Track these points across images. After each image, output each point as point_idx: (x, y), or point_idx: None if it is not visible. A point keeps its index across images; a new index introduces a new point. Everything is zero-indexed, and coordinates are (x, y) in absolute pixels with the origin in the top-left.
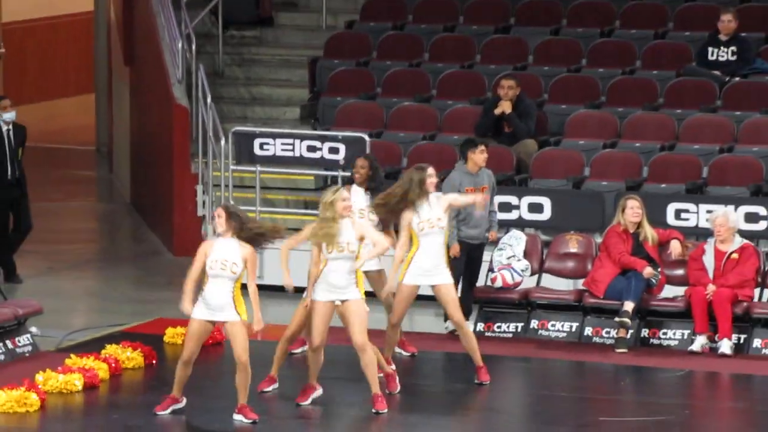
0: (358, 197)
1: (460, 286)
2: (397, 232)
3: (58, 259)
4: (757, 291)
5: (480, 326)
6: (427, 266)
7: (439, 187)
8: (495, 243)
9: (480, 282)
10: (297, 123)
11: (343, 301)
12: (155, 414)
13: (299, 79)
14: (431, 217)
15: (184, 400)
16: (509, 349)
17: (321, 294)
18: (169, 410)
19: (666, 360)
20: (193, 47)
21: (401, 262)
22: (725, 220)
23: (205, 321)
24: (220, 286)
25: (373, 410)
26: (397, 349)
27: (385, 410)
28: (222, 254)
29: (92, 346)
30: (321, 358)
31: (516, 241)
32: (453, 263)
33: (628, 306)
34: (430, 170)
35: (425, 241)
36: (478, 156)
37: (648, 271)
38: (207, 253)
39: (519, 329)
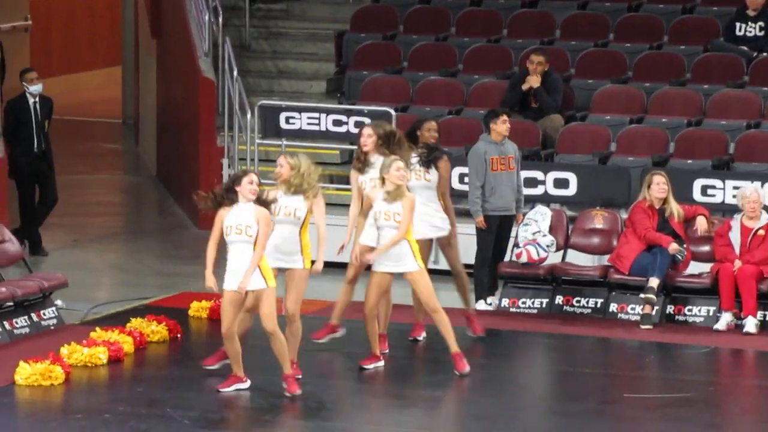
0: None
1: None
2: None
3: (83, 232)
4: None
5: (505, 302)
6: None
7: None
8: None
9: (505, 257)
10: (323, 97)
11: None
12: (218, 391)
13: (325, 53)
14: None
15: (248, 382)
16: (534, 325)
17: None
18: (232, 388)
19: (691, 337)
20: (220, 20)
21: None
22: (758, 195)
23: (235, 291)
24: (241, 252)
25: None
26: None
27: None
28: (238, 219)
29: (117, 320)
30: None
31: (541, 216)
32: (481, 237)
33: (654, 282)
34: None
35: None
36: (500, 126)
37: (674, 247)
38: (223, 220)
39: (544, 305)
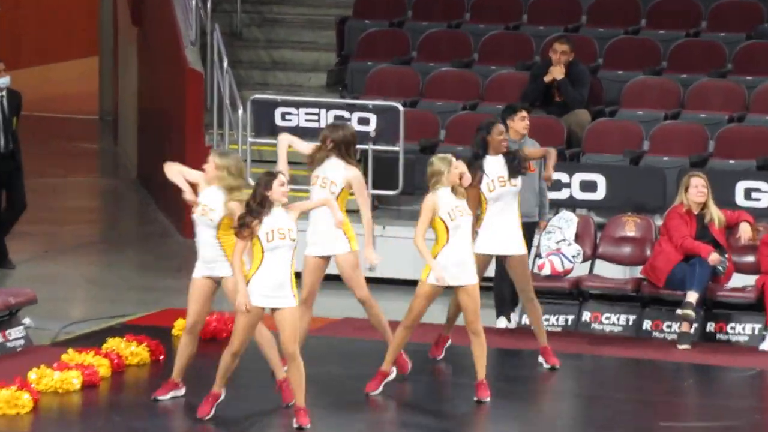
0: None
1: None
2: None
3: (55, 242)
4: None
5: (525, 319)
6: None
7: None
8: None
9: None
10: (323, 90)
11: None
12: (198, 419)
13: (326, 42)
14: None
15: (223, 393)
16: (558, 345)
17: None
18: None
19: (734, 358)
20: (209, 5)
21: None
22: None
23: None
24: (286, 260)
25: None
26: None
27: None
28: (277, 223)
29: (92, 340)
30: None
31: (566, 223)
32: None
33: (692, 297)
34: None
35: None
36: (518, 123)
37: (714, 257)
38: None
39: (569, 322)
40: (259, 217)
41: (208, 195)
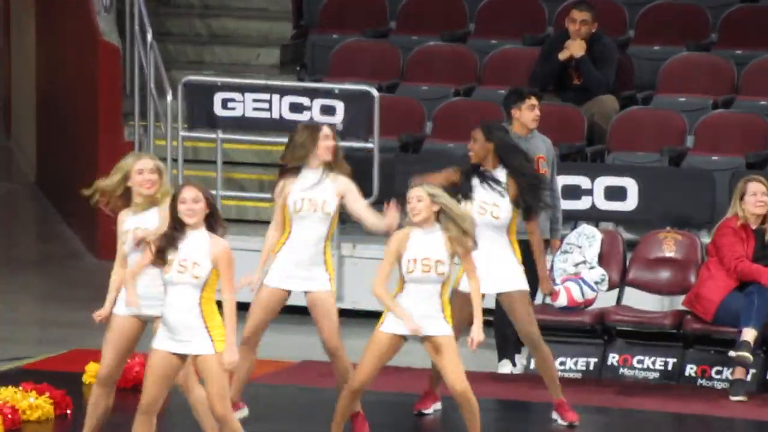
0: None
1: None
2: None
3: None
4: None
5: (534, 362)
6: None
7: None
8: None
9: (536, 299)
10: (275, 71)
11: None
12: None
13: (279, 9)
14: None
15: None
16: (578, 396)
17: None
18: None
19: None
20: None
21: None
22: None
23: (169, 353)
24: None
25: None
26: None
27: None
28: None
29: None
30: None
31: (587, 240)
32: None
33: (749, 335)
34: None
35: None
36: (526, 113)
37: None
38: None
39: (592, 367)
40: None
41: (145, 217)
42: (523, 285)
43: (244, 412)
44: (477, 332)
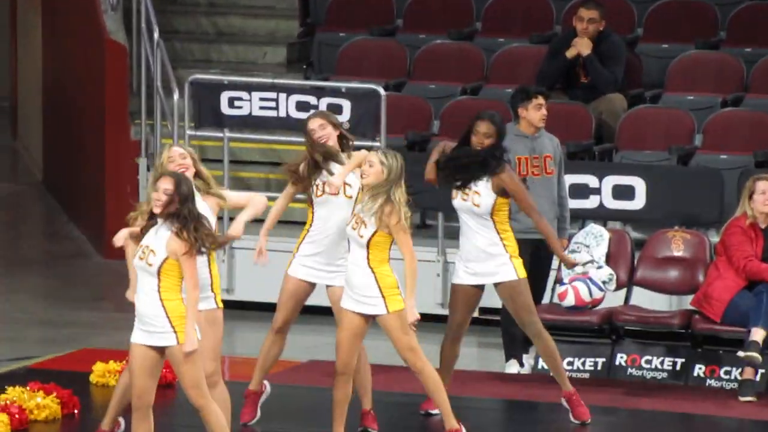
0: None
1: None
2: None
3: None
4: None
5: (543, 362)
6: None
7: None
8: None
9: (543, 299)
10: (282, 69)
11: None
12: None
13: (286, 6)
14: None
15: None
16: (586, 395)
17: None
18: None
19: None
20: None
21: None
22: None
23: (144, 346)
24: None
25: None
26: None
27: None
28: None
29: None
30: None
31: (595, 240)
32: None
33: (758, 335)
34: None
35: None
36: (533, 113)
37: None
38: None
39: (599, 367)
40: None
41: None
42: (514, 274)
43: (267, 391)
44: (411, 312)
